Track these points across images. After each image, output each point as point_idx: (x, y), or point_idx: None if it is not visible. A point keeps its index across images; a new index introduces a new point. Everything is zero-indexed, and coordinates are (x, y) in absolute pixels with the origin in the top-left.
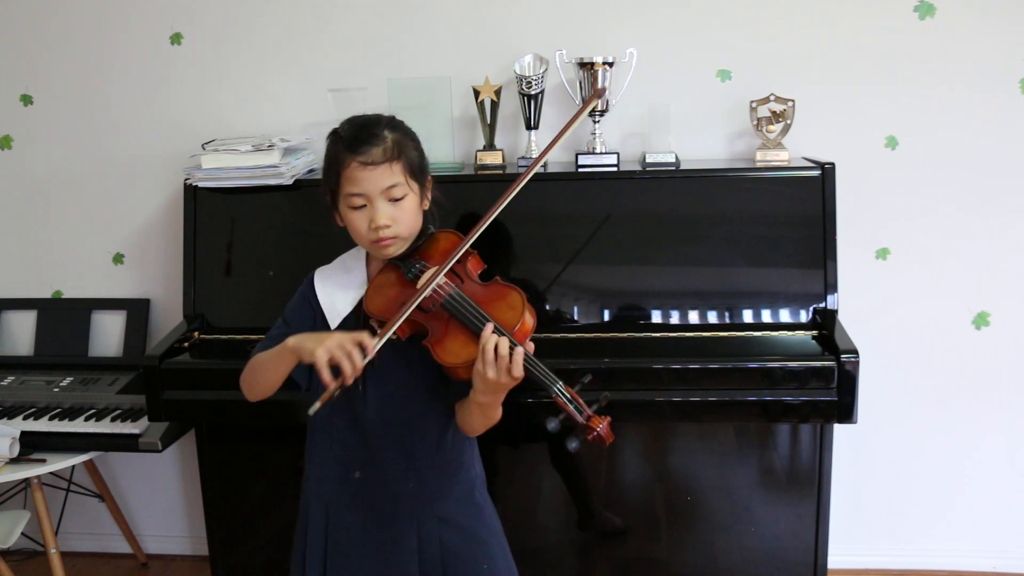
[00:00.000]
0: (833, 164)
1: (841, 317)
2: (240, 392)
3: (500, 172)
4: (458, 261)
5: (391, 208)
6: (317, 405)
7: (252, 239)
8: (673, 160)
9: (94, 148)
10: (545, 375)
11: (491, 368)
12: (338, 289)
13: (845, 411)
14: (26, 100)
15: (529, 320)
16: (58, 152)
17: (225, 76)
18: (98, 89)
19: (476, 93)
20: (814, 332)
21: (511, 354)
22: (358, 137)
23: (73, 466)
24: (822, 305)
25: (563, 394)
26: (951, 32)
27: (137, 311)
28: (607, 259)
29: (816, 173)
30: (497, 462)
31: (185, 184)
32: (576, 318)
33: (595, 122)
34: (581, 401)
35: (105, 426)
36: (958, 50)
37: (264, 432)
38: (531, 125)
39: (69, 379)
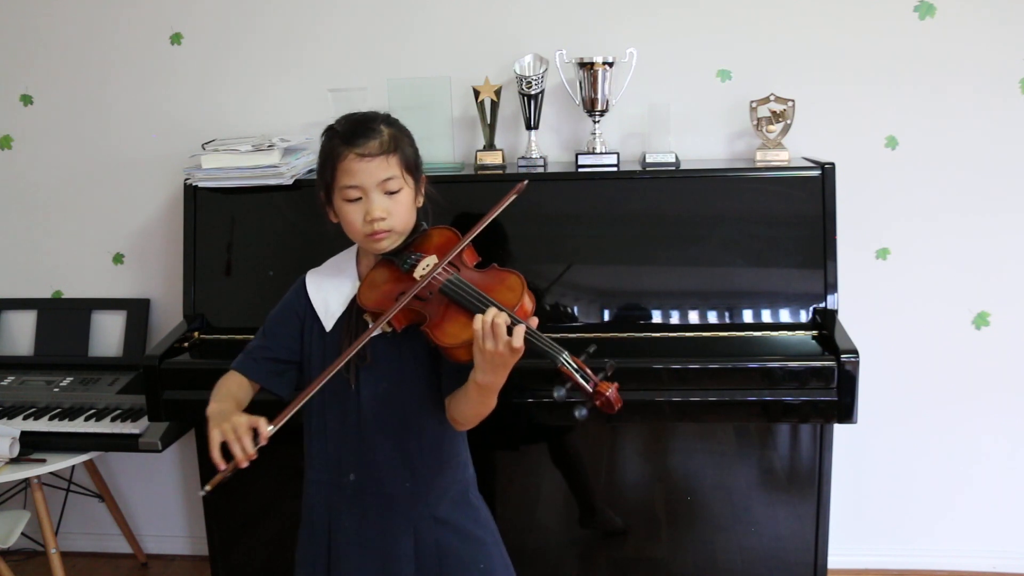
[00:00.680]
0: (833, 164)
1: (841, 317)
2: None
3: (500, 172)
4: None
5: (386, 201)
6: (207, 488)
7: (252, 239)
8: (673, 160)
9: (94, 148)
10: (549, 346)
11: (489, 340)
12: (331, 290)
13: (845, 411)
14: (26, 100)
15: (528, 302)
16: (58, 152)
17: (225, 76)
18: (98, 89)
19: (476, 93)
20: (814, 332)
21: (511, 331)
22: (355, 131)
23: (73, 466)
24: (822, 305)
25: (569, 363)
26: (951, 32)
27: (137, 311)
28: (607, 259)
29: (816, 173)
30: (497, 462)
31: (185, 184)
32: (576, 318)
33: (595, 122)
34: (588, 369)
35: (105, 426)
36: (958, 50)
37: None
38: (531, 125)
39: (69, 379)
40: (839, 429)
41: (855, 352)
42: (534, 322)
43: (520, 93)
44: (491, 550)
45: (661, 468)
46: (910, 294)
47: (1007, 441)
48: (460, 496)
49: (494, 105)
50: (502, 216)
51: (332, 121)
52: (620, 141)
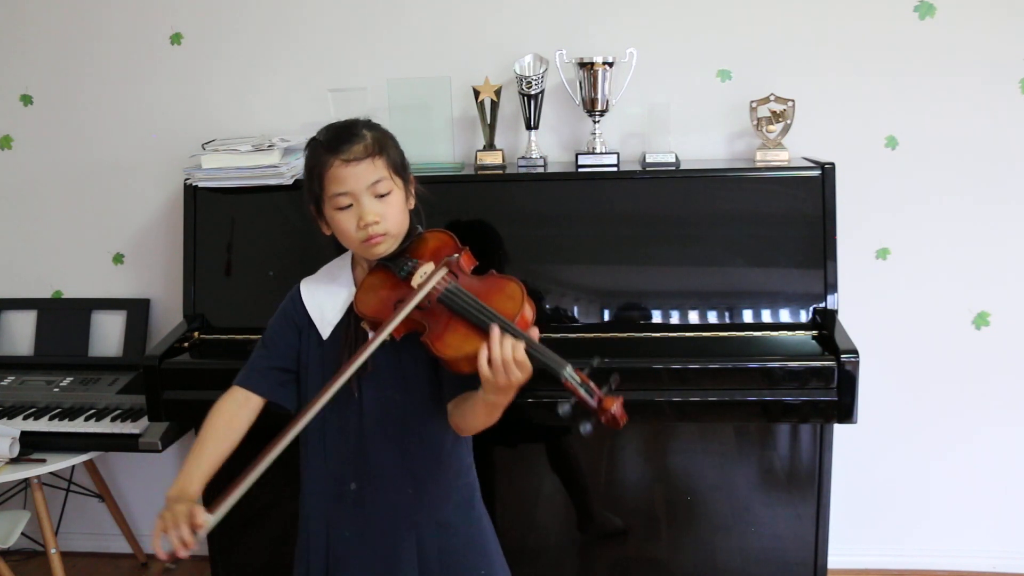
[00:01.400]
0: (833, 164)
1: (841, 317)
2: None
3: (500, 172)
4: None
5: (378, 204)
6: (170, 567)
7: (252, 239)
8: (673, 160)
9: (94, 148)
10: (553, 360)
11: (500, 374)
12: (326, 298)
13: (845, 411)
14: (26, 100)
15: (529, 311)
16: (58, 152)
17: (225, 76)
18: (98, 89)
19: (476, 93)
20: (814, 332)
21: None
22: (338, 137)
23: (73, 466)
24: (822, 305)
25: (572, 378)
26: (951, 32)
27: (137, 311)
28: (607, 259)
29: (816, 173)
30: (496, 462)
31: (185, 184)
32: (576, 318)
33: (595, 122)
34: (592, 384)
35: (105, 426)
36: (958, 50)
37: (263, 432)
38: (531, 125)
39: (69, 379)
40: (839, 429)
41: (855, 352)
42: (535, 333)
43: (520, 93)
44: (493, 558)
45: (661, 468)
46: (910, 294)
47: (1007, 441)
48: (464, 501)
49: (494, 105)
50: (500, 217)
51: (332, 121)
52: (620, 141)
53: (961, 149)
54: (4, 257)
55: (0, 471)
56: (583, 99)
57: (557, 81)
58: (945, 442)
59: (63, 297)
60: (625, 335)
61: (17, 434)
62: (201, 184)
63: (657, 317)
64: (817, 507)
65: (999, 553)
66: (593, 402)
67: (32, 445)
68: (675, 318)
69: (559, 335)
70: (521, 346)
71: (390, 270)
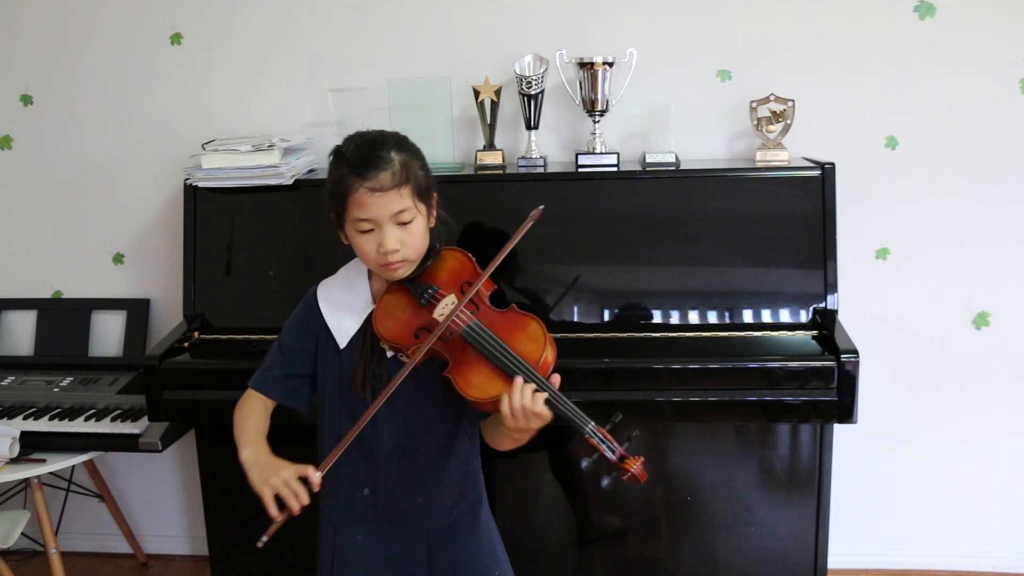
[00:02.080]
0: (833, 164)
1: (841, 317)
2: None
3: (500, 172)
4: (471, 285)
5: (400, 232)
6: (264, 539)
7: (252, 239)
8: (673, 160)
9: (94, 148)
10: (576, 415)
11: (520, 420)
12: (344, 307)
13: (845, 411)
14: (26, 100)
15: (550, 353)
16: (58, 152)
17: (225, 76)
18: (98, 89)
19: (476, 93)
20: (814, 332)
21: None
22: (365, 160)
23: (73, 466)
24: (822, 305)
25: (595, 435)
26: (951, 32)
27: (137, 311)
28: (607, 259)
29: (816, 173)
30: (496, 463)
31: (185, 184)
32: (576, 318)
33: (595, 122)
34: (613, 440)
35: (105, 426)
36: (958, 50)
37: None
38: (531, 125)
39: (69, 379)
40: (839, 429)
41: (855, 352)
42: (556, 380)
43: (520, 93)
44: (502, 561)
45: (661, 468)
46: (910, 294)
47: (1007, 441)
48: (474, 505)
49: (494, 105)
50: (500, 217)
51: (332, 121)
52: (620, 141)
53: (961, 149)
54: (4, 257)
55: (0, 471)
56: (583, 99)
57: (557, 81)
58: (945, 442)
59: (63, 297)
60: (625, 335)
61: (17, 434)
62: (201, 184)
63: (657, 317)
64: (817, 507)
65: (999, 553)
66: (615, 458)
67: (32, 445)
68: (675, 318)
69: (560, 335)
70: (542, 399)
71: (410, 292)
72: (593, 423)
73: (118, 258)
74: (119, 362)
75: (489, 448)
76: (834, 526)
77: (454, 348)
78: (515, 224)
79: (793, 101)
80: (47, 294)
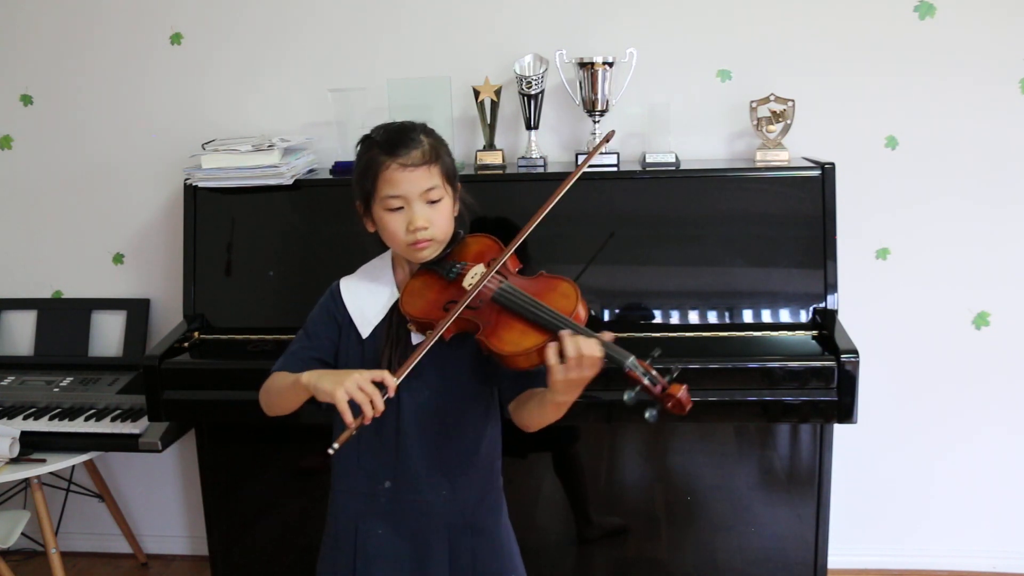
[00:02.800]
0: (833, 164)
1: (841, 317)
2: (240, 392)
3: (500, 172)
4: (496, 260)
5: (428, 210)
6: (336, 445)
7: (252, 239)
8: (673, 160)
9: (94, 148)
10: (618, 352)
11: (573, 371)
12: (367, 297)
13: (845, 411)
14: (26, 100)
15: (582, 309)
16: (58, 152)
17: (225, 76)
18: (98, 89)
19: (476, 93)
20: (814, 332)
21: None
22: (396, 140)
23: (73, 466)
24: (822, 305)
25: (637, 367)
26: (951, 32)
27: (137, 311)
28: (607, 259)
29: (816, 173)
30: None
31: (185, 184)
32: None
33: (595, 122)
34: (655, 372)
35: (105, 426)
36: (958, 50)
37: (264, 432)
38: (531, 125)
39: (69, 379)
40: (839, 429)
41: (855, 352)
42: (609, 336)
43: (520, 93)
44: (517, 563)
45: (661, 468)
46: (910, 294)
47: (1007, 441)
48: (495, 505)
49: (494, 105)
50: (503, 217)
51: (332, 121)
52: (620, 141)
53: (961, 149)
54: (4, 257)
55: (0, 471)
56: (583, 99)
57: (557, 81)
58: (945, 442)
59: (63, 297)
60: (625, 335)
61: (17, 434)
62: (201, 184)
63: (657, 317)
64: (817, 507)
65: (999, 553)
66: (657, 389)
67: (32, 445)
68: (675, 318)
69: None
70: (595, 341)
71: (436, 273)
72: (633, 356)
73: (118, 258)
74: (119, 362)
75: None
76: (834, 526)
77: (485, 313)
78: (515, 224)
79: (793, 101)
80: (47, 294)
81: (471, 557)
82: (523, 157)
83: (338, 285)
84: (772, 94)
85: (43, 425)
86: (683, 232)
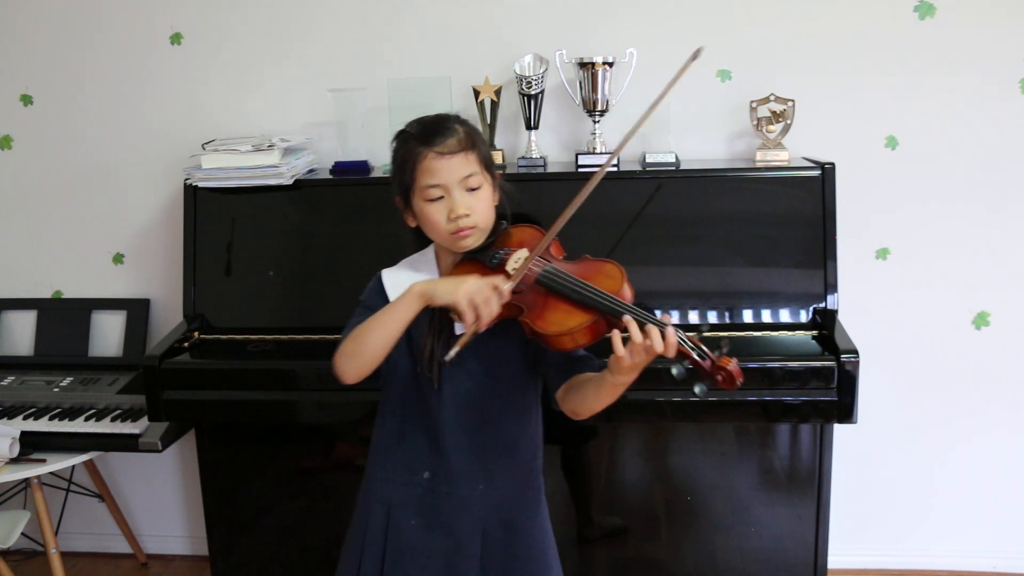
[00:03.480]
0: (833, 164)
1: (841, 317)
2: (240, 392)
3: (500, 172)
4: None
5: (468, 198)
6: (456, 350)
7: (252, 239)
8: (673, 160)
9: (94, 148)
10: (657, 323)
11: (638, 355)
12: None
13: (845, 411)
14: (26, 100)
15: (628, 290)
16: (58, 152)
17: (225, 76)
18: (98, 89)
19: (476, 93)
20: (814, 332)
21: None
22: (431, 130)
23: (73, 466)
24: (822, 305)
25: (686, 341)
26: (951, 32)
27: (137, 311)
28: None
29: (816, 173)
30: None
31: (185, 184)
32: None
33: (595, 122)
34: (704, 347)
35: (105, 426)
36: (958, 50)
37: (264, 432)
38: (531, 125)
39: (69, 379)
40: (839, 429)
41: (855, 352)
42: (669, 319)
43: (520, 93)
44: (552, 565)
45: (661, 468)
46: (910, 294)
47: (1007, 441)
48: (532, 502)
49: (494, 105)
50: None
51: (332, 121)
52: (620, 141)
53: (961, 149)
54: (4, 257)
55: (0, 471)
56: (583, 99)
57: (557, 81)
58: (945, 442)
59: (63, 297)
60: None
61: (17, 434)
62: (201, 184)
63: (657, 317)
64: (817, 507)
65: (999, 553)
66: (707, 364)
67: (32, 445)
68: (675, 318)
69: None
70: (671, 332)
71: (479, 261)
72: (682, 331)
73: (118, 258)
74: (119, 362)
75: None
76: (834, 526)
77: (529, 297)
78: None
79: (793, 101)
80: (47, 294)
81: (503, 554)
82: (523, 157)
83: (380, 276)
84: (772, 94)
85: (43, 425)
86: (683, 232)
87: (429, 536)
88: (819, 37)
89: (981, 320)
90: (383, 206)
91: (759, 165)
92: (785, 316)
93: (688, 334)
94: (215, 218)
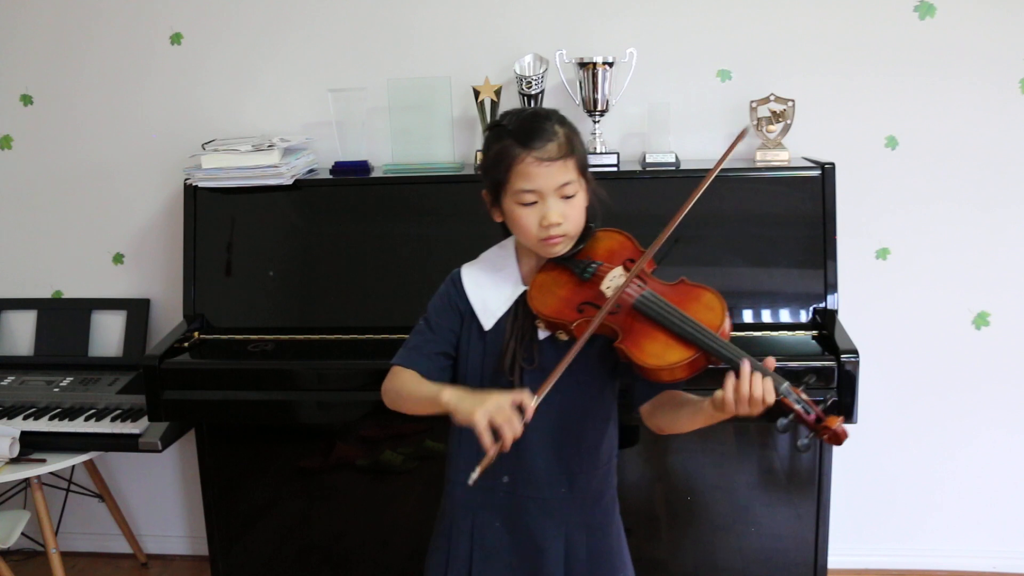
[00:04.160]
0: (833, 164)
1: (841, 317)
2: (240, 392)
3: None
4: (634, 262)
5: (563, 205)
6: (476, 473)
7: (252, 239)
8: (673, 160)
9: (94, 148)
10: (773, 378)
11: (743, 406)
12: (491, 288)
13: (845, 411)
14: (26, 100)
15: (728, 323)
16: (58, 152)
17: (225, 76)
18: (98, 89)
19: (476, 93)
20: (814, 332)
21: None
22: (531, 131)
23: (73, 466)
24: (822, 305)
25: (790, 395)
26: (951, 32)
27: (137, 311)
28: None
29: (816, 173)
30: None
31: (185, 184)
32: None
33: (595, 122)
34: (809, 401)
35: (105, 426)
36: (958, 50)
37: (264, 432)
38: None
39: (69, 379)
40: None
41: (855, 352)
42: (771, 362)
43: (520, 93)
44: (628, 564)
45: (661, 468)
46: (910, 294)
47: (1007, 441)
48: (611, 505)
49: (494, 105)
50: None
51: (332, 121)
52: (620, 141)
53: (961, 149)
54: (4, 257)
55: (0, 471)
56: (583, 99)
57: (557, 81)
58: (945, 441)
59: (63, 297)
60: None
61: (17, 434)
62: (201, 184)
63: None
64: (817, 507)
65: (999, 553)
66: (811, 418)
67: (32, 445)
68: None
69: None
70: (771, 385)
71: (568, 270)
72: (787, 383)
73: (118, 258)
74: (119, 362)
75: None
76: (834, 526)
77: (624, 320)
78: None
79: (793, 101)
80: (47, 294)
81: (586, 555)
82: None
83: (459, 273)
84: (772, 94)
85: (43, 425)
86: (683, 232)
87: (512, 539)
88: (819, 37)
89: (981, 320)
90: (383, 206)
91: (759, 165)
92: (785, 316)
93: (795, 387)
94: (215, 218)
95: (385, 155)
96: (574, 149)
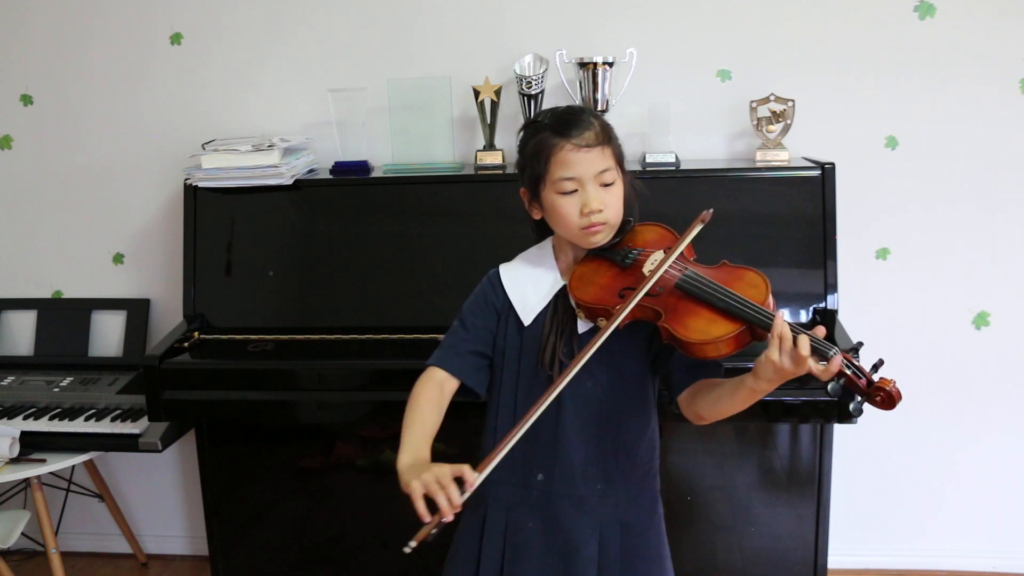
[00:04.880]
0: (833, 164)
1: (841, 317)
2: (240, 392)
3: (500, 172)
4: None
5: (602, 193)
6: (412, 544)
7: (252, 239)
8: (673, 160)
9: (94, 148)
10: (822, 344)
11: (786, 357)
12: (529, 283)
13: (845, 411)
14: (26, 100)
15: (772, 300)
16: (58, 152)
17: (225, 76)
18: (98, 89)
19: (476, 93)
20: None
21: (796, 340)
22: (568, 121)
23: (73, 466)
24: (822, 305)
25: (843, 360)
26: (951, 32)
27: (137, 311)
28: None
29: (816, 173)
30: None
31: (185, 184)
32: None
33: None
34: (859, 366)
35: (105, 426)
36: (958, 50)
37: (264, 432)
38: None
39: (69, 379)
40: (839, 429)
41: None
42: (821, 331)
43: (520, 93)
44: (667, 566)
45: (661, 468)
46: (910, 294)
47: (1008, 441)
48: (649, 503)
49: (494, 105)
50: (500, 217)
51: (332, 121)
52: (620, 141)
53: (961, 149)
54: (4, 257)
55: (0, 471)
56: (583, 99)
57: (557, 81)
58: (944, 441)
59: (63, 297)
60: None
61: (17, 434)
62: (201, 184)
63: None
64: (817, 507)
65: (1000, 553)
66: (862, 383)
67: (32, 445)
68: None
69: None
70: (804, 340)
71: (608, 259)
72: (837, 347)
73: (118, 258)
74: (119, 362)
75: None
76: (834, 526)
77: (666, 300)
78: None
79: (793, 101)
80: (47, 294)
81: (619, 555)
82: None
83: (497, 271)
84: (772, 94)
85: (43, 425)
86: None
87: (546, 537)
88: (819, 37)
89: (981, 320)
90: (383, 206)
91: (759, 165)
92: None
93: (845, 353)
94: (215, 218)
95: (385, 155)
96: (610, 139)
